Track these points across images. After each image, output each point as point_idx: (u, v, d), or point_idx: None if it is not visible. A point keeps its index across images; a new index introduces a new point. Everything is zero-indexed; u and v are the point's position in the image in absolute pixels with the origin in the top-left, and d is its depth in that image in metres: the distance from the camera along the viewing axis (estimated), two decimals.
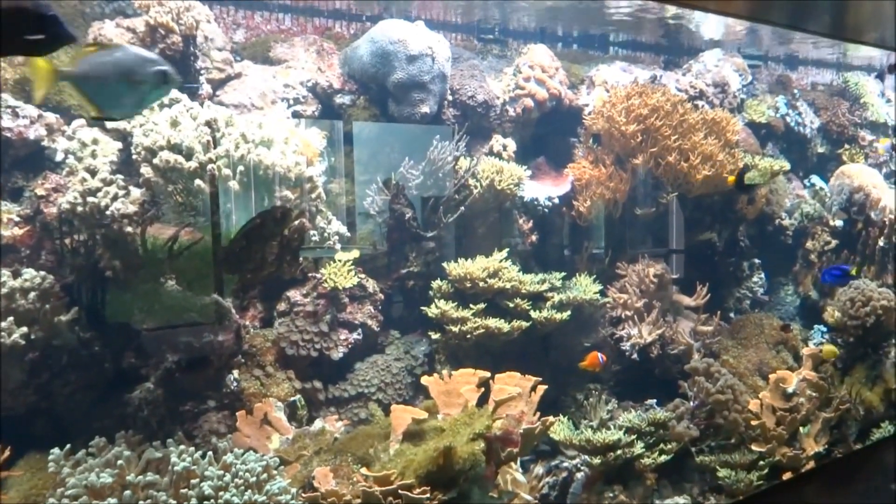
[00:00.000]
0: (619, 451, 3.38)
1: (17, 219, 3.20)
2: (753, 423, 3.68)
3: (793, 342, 4.49)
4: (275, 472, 2.75)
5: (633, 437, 3.48)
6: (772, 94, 5.58)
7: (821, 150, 5.71)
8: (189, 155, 3.01)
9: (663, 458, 3.48)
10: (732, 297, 4.88)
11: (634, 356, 4.07)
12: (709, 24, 5.11)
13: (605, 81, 4.67)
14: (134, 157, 3.10)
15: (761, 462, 3.57)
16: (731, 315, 4.82)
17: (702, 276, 4.46)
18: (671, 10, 4.71)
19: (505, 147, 4.31)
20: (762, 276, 5.06)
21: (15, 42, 1.90)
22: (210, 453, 2.72)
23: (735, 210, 4.69)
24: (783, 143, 5.47)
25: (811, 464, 3.72)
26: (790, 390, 3.85)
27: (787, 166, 4.95)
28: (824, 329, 4.65)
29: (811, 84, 6.27)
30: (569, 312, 3.93)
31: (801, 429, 3.80)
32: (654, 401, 3.94)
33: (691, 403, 3.71)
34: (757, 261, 5.03)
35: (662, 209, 4.46)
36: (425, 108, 4.01)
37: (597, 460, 3.40)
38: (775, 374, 3.95)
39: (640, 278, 4.23)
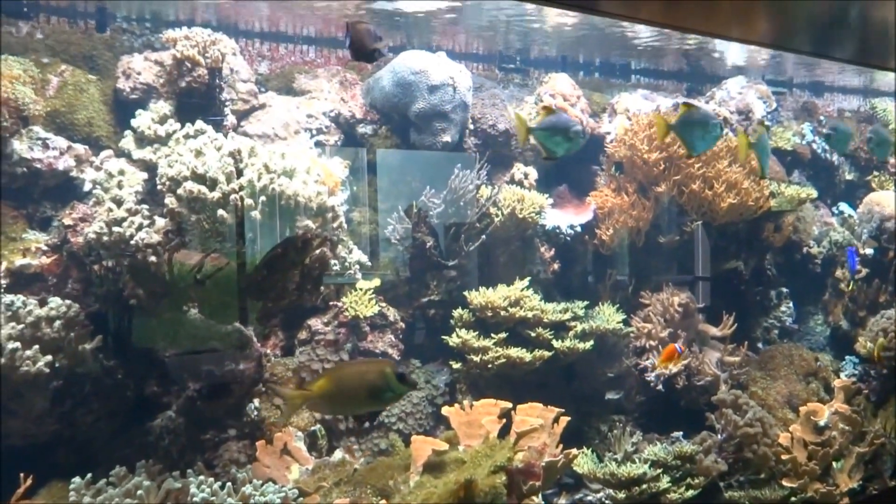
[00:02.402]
0: (644, 486, 3.30)
1: (44, 248, 3.26)
2: (784, 457, 3.58)
3: (824, 374, 4.37)
4: (293, 503, 2.73)
5: (659, 470, 3.40)
6: (797, 120, 5.52)
7: (849, 177, 5.62)
8: (213, 185, 3.04)
9: (690, 492, 3.39)
10: (760, 327, 4.78)
11: (659, 387, 3.99)
12: (732, 52, 5.09)
13: (627, 109, 4.65)
14: (159, 187, 3.15)
15: (793, 498, 3.47)
16: (759, 345, 4.71)
17: (728, 305, 4.38)
18: (693, 37, 4.70)
19: (526, 175, 4.30)
20: (790, 305, 4.95)
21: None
22: (229, 484, 2.71)
23: (761, 238, 4.62)
24: (810, 170, 5.39)
25: (845, 500, 3.60)
26: (822, 423, 3.74)
27: (815, 194, 4.86)
28: (856, 360, 4.52)
29: (837, 110, 6.20)
30: (592, 342, 3.88)
31: (833, 464, 3.68)
32: (681, 433, 3.85)
33: (719, 436, 3.62)
34: (785, 290, 4.93)
35: (686, 237, 4.40)
36: (447, 137, 4.03)
37: (621, 494, 3.32)
38: (806, 406, 3.85)
39: (665, 307, 4.17)
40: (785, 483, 3.51)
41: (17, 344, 2.77)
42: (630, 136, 4.27)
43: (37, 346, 2.82)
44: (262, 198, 3.13)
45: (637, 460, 3.49)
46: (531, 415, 3.04)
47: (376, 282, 3.78)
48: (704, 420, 3.76)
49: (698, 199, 4.18)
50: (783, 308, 4.90)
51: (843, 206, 5.41)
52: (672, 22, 2.99)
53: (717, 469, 3.47)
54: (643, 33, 4.64)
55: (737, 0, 2.66)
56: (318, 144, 3.88)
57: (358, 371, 2.34)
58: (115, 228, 3.02)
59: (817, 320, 5.10)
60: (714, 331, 4.33)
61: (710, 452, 3.54)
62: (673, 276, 4.47)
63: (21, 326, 2.83)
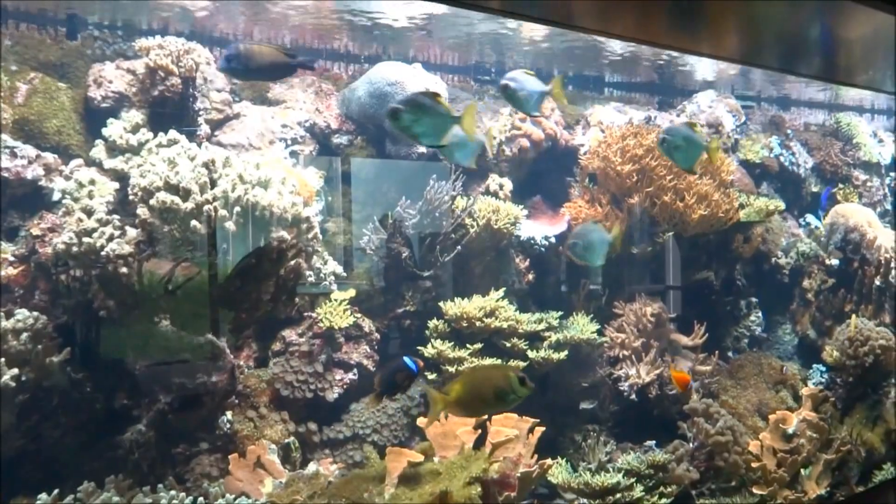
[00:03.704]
0: (618, 495, 3.32)
1: (11, 258, 3.19)
2: (754, 465, 3.63)
3: (792, 382, 4.45)
4: None
5: (633, 479, 3.43)
6: (765, 134, 5.64)
7: (815, 189, 5.75)
8: (186, 196, 3.01)
9: (663, 501, 3.42)
10: (730, 336, 4.86)
11: (633, 396, 4.03)
12: (702, 66, 5.19)
13: (601, 122, 4.72)
14: (131, 197, 3.11)
15: None
16: (730, 354, 4.79)
17: (699, 314, 4.44)
18: (665, 52, 4.78)
19: (501, 186, 4.33)
20: (759, 314, 5.04)
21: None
22: (201, 499, 2.67)
23: (731, 249, 4.70)
24: (777, 182, 5.51)
25: None
26: (790, 431, 3.81)
27: (783, 205, 4.97)
28: (823, 368, 4.61)
29: (804, 124, 6.34)
30: (566, 352, 3.90)
31: (802, 471, 3.75)
32: (654, 442, 3.89)
33: (691, 445, 3.66)
34: (754, 299, 5.02)
35: (659, 248, 4.46)
36: (422, 148, 4.04)
37: None
38: (775, 414, 3.91)
39: (638, 317, 4.21)
40: (755, 490, 3.56)
41: None
42: (603, 148, 4.33)
43: (2, 359, 2.76)
44: (237, 208, 3.11)
45: (611, 469, 3.51)
46: (506, 425, 3.05)
47: (351, 292, 3.76)
48: (677, 429, 3.81)
49: (670, 210, 4.24)
50: (752, 317, 4.98)
51: (811, 218, 5.54)
52: (644, 37, 3.04)
53: (689, 477, 3.51)
54: (616, 48, 4.71)
55: (706, 16, 2.72)
56: (292, 154, 3.87)
57: (486, 376, 2.49)
58: (86, 239, 2.96)
59: (785, 329, 5.20)
60: (686, 340, 4.39)
61: (683, 461, 3.58)
62: (645, 286, 4.52)
63: None
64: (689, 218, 4.24)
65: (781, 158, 5.50)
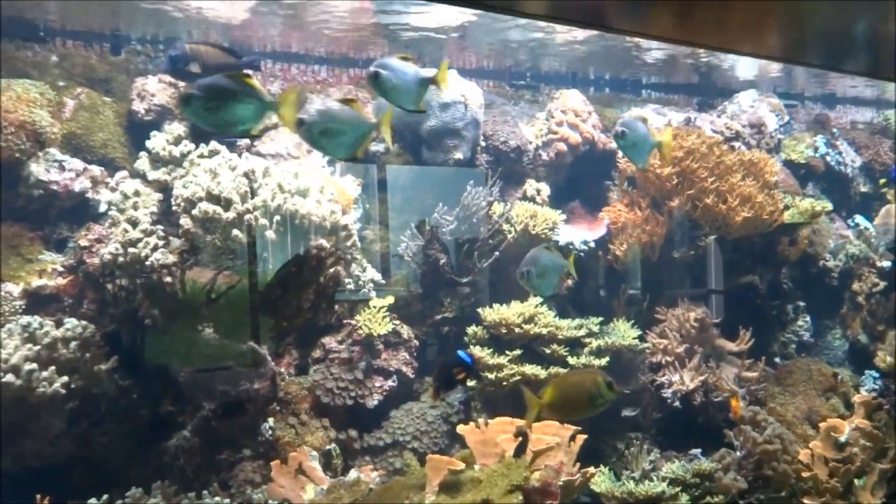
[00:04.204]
0: None
1: (60, 269, 3.29)
2: (805, 474, 3.51)
3: (843, 389, 4.31)
4: None
5: (678, 489, 3.35)
6: (810, 133, 5.50)
7: (864, 189, 5.58)
8: (227, 205, 3.06)
9: None
10: (777, 342, 4.73)
11: (676, 403, 3.95)
12: (743, 65, 5.09)
13: None
14: (174, 207, 3.17)
15: None
16: (777, 360, 4.66)
17: (744, 320, 4.34)
18: (704, 52, 4.70)
19: (539, 191, 4.30)
20: (807, 319, 4.90)
21: None
22: None
23: (777, 252, 4.58)
24: (824, 182, 5.36)
25: None
26: (843, 440, 3.67)
27: (830, 206, 4.83)
28: (876, 375, 4.46)
29: (851, 122, 6.16)
30: (607, 358, 3.84)
31: (855, 481, 3.62)
32: (699, 450, 3.80)
33: (738, 453, 3.56)
34: (801, 303, 4.88)
35: (700, 252, 4.38)
36: (459, 154, 4.04)
37: None
38: (826, 422, 3.79)
39: (681, 323, 4.13)
40: (806, 501, 3.44)
41: (34, 365, 2.78)
42: None
43: (53, 368, 2.84)
44: (277, 217, 3.15)
45: (655, 478, 3.44)
46: (547, 433, 3.01)
47: (390, 299, 3.77)
48: (723, 437, 3.71)
49: (712, 213, 4.15)
50: (800, 322, 4.85)
51: (860, 219, 5.37)
52: (684, 37, 2.98)
53: (736, 487, 3.42)
54: (654, 48, 4.65)
55: (748, 15, 2.66)
56: (330, 163, 3.90)
57: (578, 381, 2.56)
58: (131, 249, 3.03)
59: (835, 334, 5.04)
60: (731, 346, 4.29)
61: (730, 470, 3.49)
62: (687, 290, 4.44)
63: (38, 348, 2.85)
64: (732, 220, 4.15)
65: (827, 158, 5.36)
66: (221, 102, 2.27)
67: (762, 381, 4.17)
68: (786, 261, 4.66)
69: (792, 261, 4.70)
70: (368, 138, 2.56)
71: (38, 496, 2.64)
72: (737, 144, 4.77)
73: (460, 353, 2.83)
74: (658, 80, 5.46)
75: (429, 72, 2.64)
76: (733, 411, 3.56)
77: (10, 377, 2.72)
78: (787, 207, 4.41)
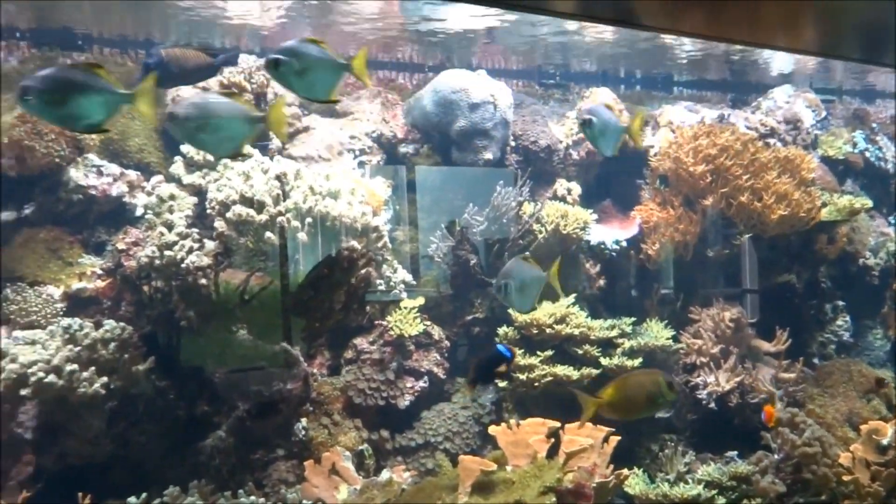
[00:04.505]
0: None
1: (99, 272, 3.36)
2: (846, 478, 3.43)
3: (885, 390, 4.20)
4: None
5: (714, 491, 3.30)
6: (848, 128, 5.37)
7: None
8: (260, 208, 3.10)
9: None
10: (815, 342, 4.62)
11: (712, 405, 3.88)
12: (778, 60, 4.99)
13: (671, 122, 4.60)
14: (208, 211, 3.22)
15: None
16: (816, 361, 4.56)
17: (781, 319, 4.25)
18: (737, 47, 4.62)
19: (569, 191, 4.27)
20: (847, 318, 4.78)
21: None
22: None
23: (814, 250, 4.48)
24: (863, 179, 5.23)
25: None
26: (885, 442, 3.58)
27: (869, 203, 4.71)
28: None
29: (891, 117, 6.00)
30: (640, 359, 3.80)
31: None
32: (735, 453, 3.74)
33: (776, 456, 3.49)
34: (841, 303, 4.77)
35: (735, 250, 4.31)
36: (488, 155, 4.04)
37: None
38: (868, 424, 3.69)
39: (716, 323, 4.07)
40: None
41: (75, 366, 2.85)
42: (675, 148, 4.21)
43: (93, 368, 2.90)
44: (308, 219, 3.17)
45: (690, 481, 3.40)
46: (580, 434, 2.99)
47: (420, 300, 3.78)
48: (760, 439, 3.64)
49: (747, 211, 4.08)
50: (839, 322, 4.74)
51: None
52: (716, 33, 2.94)
53: (775, 490, 3.35)
54: (685, 45, 4.59)
55: (782, 8, 2.61)
56: (360, 165, 3.93)
57: (638, 381, 2.56)
58: (167, 252, 3.09)
59: (876, 334, 4.92)
60: (767, 346, 4.21)
61: (768, 473, 3.42)
62: (722, 290, 4.37)
63: (78, 349, 2.91)
64: (767, 218, 4.07)
65: (867, 154, 5.23)
66: (65, 95, 2.07)
67: (800, 382, 4.09)
68: (824, 259, 4.56)
69: (830, 259, 4.60)
70: (252, 134, 2.33)
71: (80, 494, 2.70)
72: (772, 141, 4.69)
73: (499, 346, 2.82)
74: (690, 77, 5.39)
75: (340, 58, 2.35)
76: (766, 418, 3.48)
77: (52, 377, 2.79)
78: (824, 205, 4.31)
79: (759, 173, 4.08)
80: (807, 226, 4.18)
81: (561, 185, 4.29)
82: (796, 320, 4.37)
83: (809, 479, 3.41)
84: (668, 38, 4.43)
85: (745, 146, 4.15)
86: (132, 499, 2.74)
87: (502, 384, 3.74)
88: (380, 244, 3.49)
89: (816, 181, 4.54)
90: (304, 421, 3.35)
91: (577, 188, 4.30)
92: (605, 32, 4.28)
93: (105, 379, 2.91)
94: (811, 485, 3.42)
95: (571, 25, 4.12)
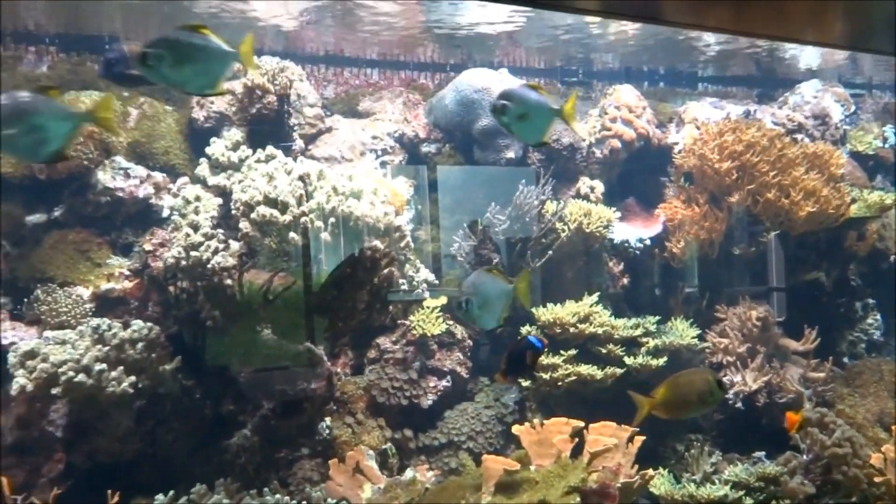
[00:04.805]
0: None
1: (127, 272, 3.41)
2: (877, 479, 3.36)
3: None
4: None
5: (741, 492, 3.25)
6: (878, 123, 5.26)
7: None
8: (284, 208, 3.12)
9: None
10: (845, 341, 4.54)
11: (739, 405, 3.83)
12: (805, 54, 4.91)
13: (696, 118, 4.54)
14: (233, 211, 3.25)
15: None
16: (845, 360, 4.48)
17: (810, 318, 4.19)
18: (763, 42, 4.55)
19: (592, 189, 4.25)
20: (878, 317, 4.69)
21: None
22: (305, 502, 2.74)
23: (844, 247, 4.40)
24: (894, 174, 5.12)
25: None
26: None
27: None
28: None
29: None
30: (665, 358, 3.76)
31: None
32: (763, 453, 3.68)
33: (805, 457, 3.44)
34: (871, 301, 4.68)
35: (762, 248, 4.25)
36: (510, 154, 4.03)
37: None
38: None
39: (742, 321, 4.01)
40: None
41: (104, 365, 2.89)
42: (700, 145, 4.16)
43: (121, 368, 2.94)
44: (331, 219, 3.19)
45: (717, 481, 3.35)
46: (604, 434, 2.97)
47: (443, 300, 3.78)
48: (788, 440, 3.59)
49: (774, 208, 4.02)
50: (870, 320, 4.65)
51: None
52: (742, 28, 2.90)
53: (804, 492, 3.30)
54: (709, 40, 4.53)
55: (810, 1, 2.56)
56: (383, 165, 3.94)
57: (689, 380, 2.61)
58: (193, 253, 3.12)
59: None
60: (796, 345, 4.14)
61: (796, 474, 3.37)
62: (748, 288, 4.31)
63: (107, 349, 2.96)
64: (795, 215, 4.01)
65: None
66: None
67: (829, 381, 4.02)
68: (854, 256, 4.48)
69: (860, 256, 4.52)
70: (74, 135, 2.10)
71: (109, 492, 2.74)
72: (800, 137, 4.61)
73: (531, 337, 2.80)
74: (715, 73, 5.32)
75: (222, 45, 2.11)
76: (789, 424, 3.43)
77: (82, 377, 2.84)
78: (854, 201, 4.23)
79: (786, 169, 4.02)
80: (836, 222, 4.11)
81: (584, 184, 4.26)
82: (825, 319, 4.30)
83: (840, 481, 3.35)
84: (693, 34, 4.38)
85: (772, 142, 4.09)
86: (160, 496, 2.77)
87: (525, 383, 3.73)
88: (402, 244, 3.49)
89: (846, 177, 4.46)
90: (328, 420, 3.37)
91: (600, 186, 4.27)
92: (628, 28, 4.24)
93: (133, 378, 2.95)
94: (841, 486, 3.36)
95: (594, 22, 4.09)
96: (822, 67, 5.21)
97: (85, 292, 3.32)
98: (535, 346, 2.75)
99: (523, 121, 2.37)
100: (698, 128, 4.40)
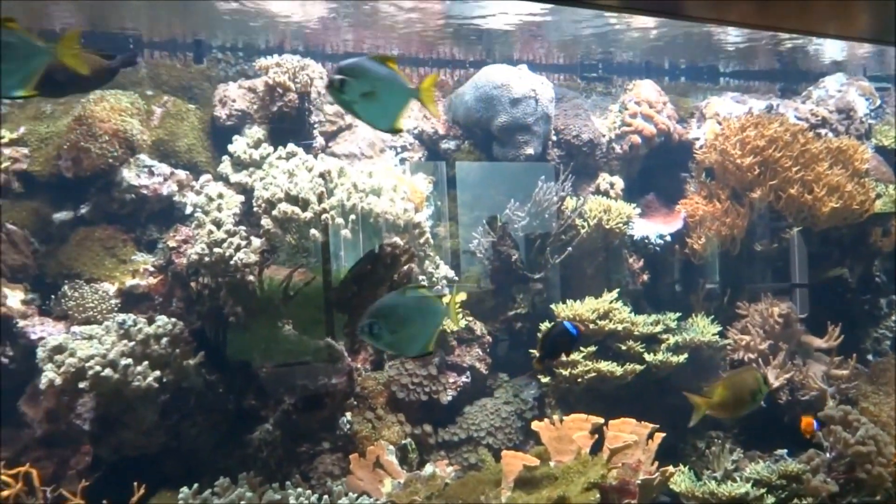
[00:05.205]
0: None
1: (151, 269, 3.46)
2: None
3: None
4: None
5: (763, 490, 3.23)
6: None
7: None
8: (305, 205, 3.15)
9: None
10: (870, 338, 4.49)
11: (761, 402, 3.80)
12: (829, 48, 4.84)
13: (717, 113, 4.51)
14: (255, 209, 3.28)
15: None
16: (869, 357, 4.43)
17: (833, 315, 4.14)
18: (786, 35, 4.50)
19: (612, 185, 4.23)
20: None
21: None
22: (326, 496, 2.77)
23: (868, 243, 4.34)
24: None
25: None
26: None
27: None
28: None
29: None
30: (686, 355, 3.75)
31: None
32: (785, 451, 3.66)
33: (828, 455, 3.41)
34: None
35: (784, 244, 4.21)
36: (530, 150, 4.02)
37: None
38: None
39: (764, 318, 3.98)
40: None
41: (130, 360, 2.94)
42: (721, 140, 4.13)
43: (146, 363, 2.99)
44: (352, 216, 3.21)
45: (738, 479, 3.34)
46: (624, 430, 2.97)
47: (462, 296, 3.79)
48: (811, 437, 3.56)
49: (797, 203, 3.98)
50: (895, 317, 4.59)
51: None
52: (765, 22, 2.88)
53: (826, 490, 3.27)
54: (731, 34, 4.48)
55: None
56: (402, 162, 3.96)
57: (742, 379, 2.74)
58: (216, 249, 3.16)
59: None
60: (819, 342, 4.10)
61: (819, 472, 3.34)
62: (769, 284, 4.27)
63: (132, 344, 3.01)
64: (818, 211, 3.97)
65: None
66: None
67: (853, 379, 3.98)
68: (878, 252, 4.43)
69: (885, 252, 4.46)
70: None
71: (135, 484, 2.79)
72: (823, 131, 4.55)
73: (566, 323, 2.81)
74: (737, 67, 5.27)
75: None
76: (803, 427, 3.41)
77: (108, 371, 2.89)
78: (878, 196, 4.18)
79: (809, 165, 3.98)
80: (860, 218, 4.06)
81: (603, 180, 4.25)
82: (849, 315, 4.26)
83: (863, 479, 3.33)
84: (715, 28, 4.34)
85: (795, 137, 4.05)
86: (184, 489, 2.82)
87: (545, 379, 3.74)
88: (422, 240, 3.51)
89: (870, 172, 4.40)
90: (348, 415, 3.40)
91: (619, 182, 4.25)
92: (649, 22, 4.21)
93: (158, 373, 3.00)
94: (865, 485, 3.33)
95: (615, 17, 4.06)
96: (846, 61, 5.13)
97: (111, 288, 3.38)
98: (570, 333, 2.75)
99: (370, 100, 2.06)
100: (720, 123, 4.37)
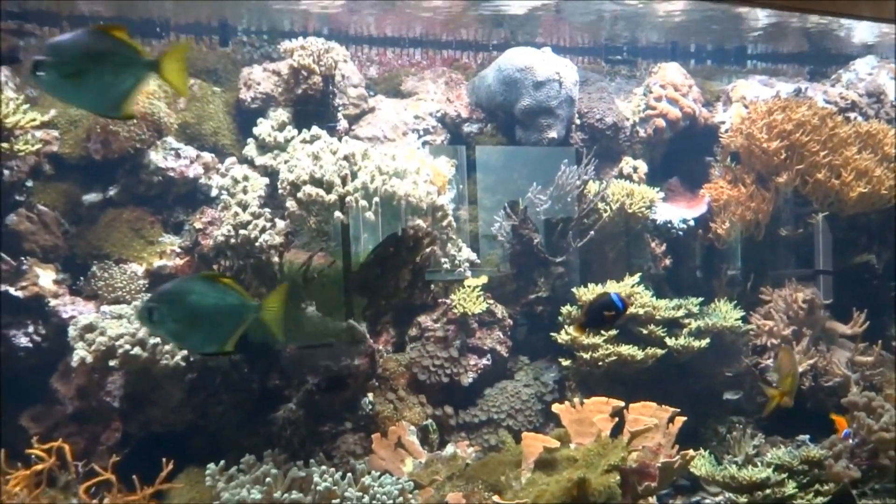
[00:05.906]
0: (767, 490, 3.14)
1: (178, 250, 3.52)
2: None
3: None
4: (410, 495, 2.81)
5: (784, 475, 3.23)
6: None
7: None
8: (329, 188, 3.17)
9: (819, 500, 3.20)
10: (895, 325, 4.43)
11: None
12: (860, 29, 4.74)
13: (744, 97, 4.45)
14: (280, 191, 3.32)
15: None
16: (895, 344, 4.37)
17: (859, 301, 4.09)
18: (816, 17, 4.41)
19: (636, 169, 4.20)
20: None
21: None
22: (349, 474, 2.82)
23: None
24: None
25: None
26: None
27: None
28: None
29: None
30: (707, 340, 3.74)
31: None
32: (807, 437, 3.64)
33: (851, 441, 3.39)
34: None
35: (810, 230, 4.16)
36: (553, 133, 4.01)
37: (743, 499, 3.18)
38: None
39: (788, 304, 3.95)
40: None
41: (158, 339, 3.00)
42: (748, 124, 4.08)
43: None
44: (375, 199, 3.23)
45: (759, 464, 3.33)
46: (645, 414, 2.98)
47: (484, 279, 3.81)
48: (832, 423, 3.54)
49: (824, 188, 3.93)
50: None
51: None
52: (795, 4, 2.83)
53: (849, 475, 3.25)
54: (759, 16, 4.41)
55: None
56: (425, 145, 3.96)
57: (793, 363, 3.06)
58: (241, 231, 3.20)
59: None
60: (843, 329, 4.06)
61: (841, 458, 3.32)
62: (794, 270, 4.23)
63: None
64: (846, 196, 3.91)
65: None
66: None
67: (878, 365, 3.94)
68: None
69: None
70: None
71: (164, 459, 2.86)
72: (853, 115, 4.47)
73: (613, 294, 2.82)
74: (765, 50, 5.18)
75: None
76: (838, 426, 3.40)
77: (137, 350, 2.95)
78: None
79: (837, 149, 3.92)
80: (888, 203, 4.00)
81: (627, 164, 4.22)
82: (875, 302, 4.20)
83: (886, 466, 3.30)
84: (743, 9, 4.26)
85: (823, 121, 3.99)
86: (211, 465, 2.88)
87: (566, 362, 3.75)
88: (445, 223, 3.52)
89: None
90: (370, 396, 3.45)
91: (643, 166, 4.23)
92: (675, 4, 4.16)
93: (185, 352, 3.06)
94: (888, 471, 3.31)
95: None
96: (878, 43, 5.02)
97: (139, 269, 3.45)
98: (616, 305, 2.76)
99: (82, 81, 1.79)
100: (746, 106, 4.31)
